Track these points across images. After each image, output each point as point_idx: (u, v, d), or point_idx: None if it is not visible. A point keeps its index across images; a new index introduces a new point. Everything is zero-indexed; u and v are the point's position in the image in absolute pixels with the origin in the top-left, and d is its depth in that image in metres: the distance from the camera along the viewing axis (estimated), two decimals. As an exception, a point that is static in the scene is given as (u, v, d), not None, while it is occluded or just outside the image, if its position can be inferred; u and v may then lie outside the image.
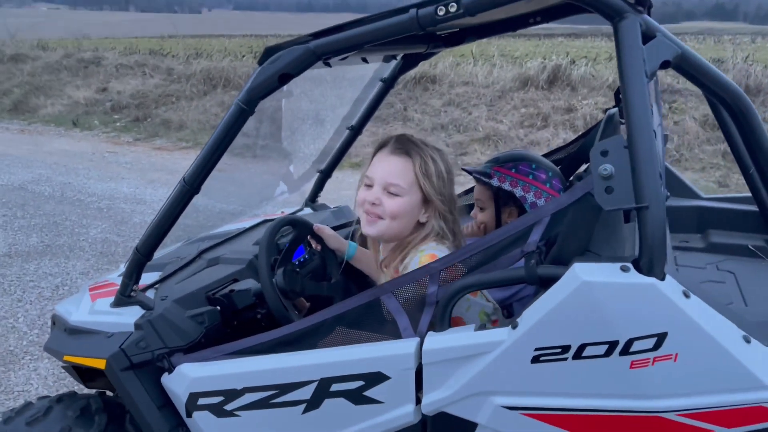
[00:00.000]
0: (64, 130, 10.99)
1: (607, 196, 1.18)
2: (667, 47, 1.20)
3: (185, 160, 8.47)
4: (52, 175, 7.65)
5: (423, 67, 10.45)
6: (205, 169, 1.60)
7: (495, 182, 1.96)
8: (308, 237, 2.09)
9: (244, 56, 14.23)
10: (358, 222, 2.47)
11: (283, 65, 1.47)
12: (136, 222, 5.78)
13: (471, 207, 2.18)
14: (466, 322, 1.60)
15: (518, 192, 1.92)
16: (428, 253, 1.62)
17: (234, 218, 5.40)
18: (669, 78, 9.52)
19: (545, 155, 2.53)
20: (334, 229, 2.53)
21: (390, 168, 1.68)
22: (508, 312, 1.87)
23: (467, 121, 9.38)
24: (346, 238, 2.52)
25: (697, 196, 2.26)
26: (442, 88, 10.62)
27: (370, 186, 1.70)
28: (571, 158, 2.46)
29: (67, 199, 6.59)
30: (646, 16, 1.21)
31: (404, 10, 1.33)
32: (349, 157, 8.19)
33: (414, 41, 1.95)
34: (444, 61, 11.35)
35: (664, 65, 1.21)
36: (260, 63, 1.51)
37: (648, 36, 1.20)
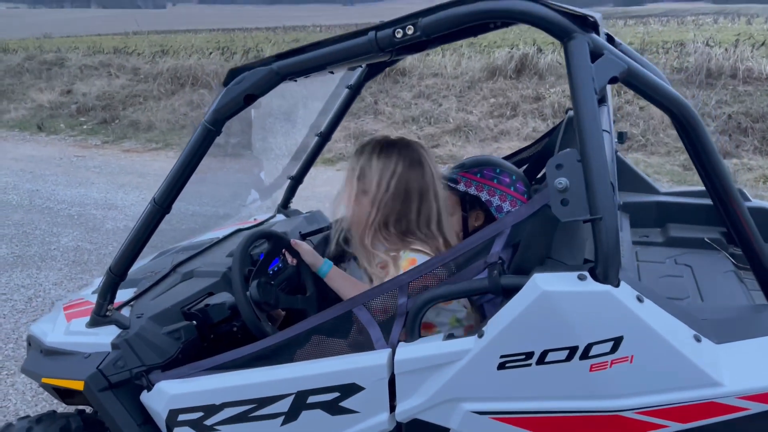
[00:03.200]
0: (30, 134, 10.77)
1: (563, 208, 1.24)
2: (614, 64, 1.25)
3: (155, 162, 8.39)
4: (18, 182, 7.52)
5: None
6: (175, 189, 1.63)
7: (461, 187, 2.02)
8: (283, 251, 2.12)
9: (211, 53, 14.09)
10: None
11: (247, 86, 1.50)
12: (109, 228, 5.73)
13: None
14: (436, 326, 1.65)
15: (484, 196, 1.97)
16: (410, 257, 1.65)
17: (208, 221, 5.38)
18: (633, 64, 9.69)
19: (511, 155, 2.60)
20: (308, 234, 2.58)
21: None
22: (481, 314, 1.93)
23: (438, 112, 9.44)
24: (324, 242, 2.56)
25: (656, 192, 2.34)
26: (411, 81, 10.66)
27: None
28: (536, 158, 2.53)
29: (36, 207, 6.49)
30: (593, 35, 1.26)
31: (363, 32, 1.37)
32: (322, 154, 8.22)
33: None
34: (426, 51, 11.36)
35: (612, 81, 1.27)
36: (225, 84, 1.54)
37: (596, 54, 1.26)
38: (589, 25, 1.27)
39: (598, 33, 1.33)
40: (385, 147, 1.73)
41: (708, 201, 2.18)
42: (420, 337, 1.42)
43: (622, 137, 2.42)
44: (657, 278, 1.88)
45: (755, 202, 2.16)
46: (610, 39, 2.07)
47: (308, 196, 6.36)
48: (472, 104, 9.64)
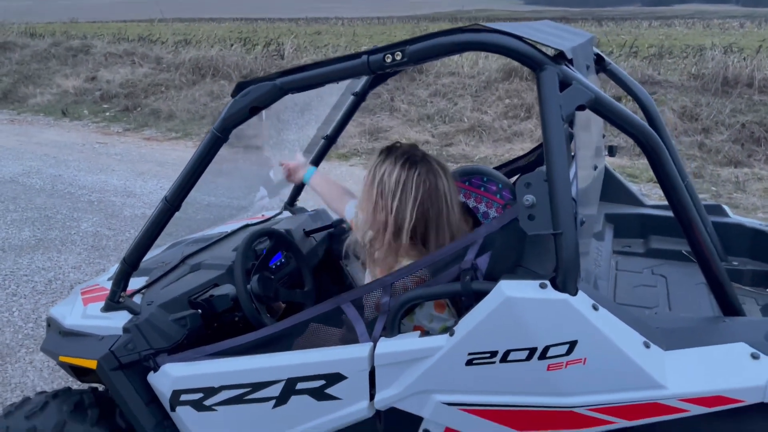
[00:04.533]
0: (54, 119, 11.06)
1: (529, 222, 1.37)
2: (581, 93, 1.38)
3: (175, 151, 8.60)
4: (42, 167, 7.77)
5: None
6: (185, 190, 1.78)
7: None
8: (284, 249, 2.27)
9: (232, 44, 14.29)
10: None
11: (252, 99, 1.64)
12: (127, 215, 5.94)
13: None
14: (427, 330, 1.78)
15: (471, 203, 2.10)
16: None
17: (222, 212, 5.55)
18: (650, 69, 9.72)
19: (506, 164, 2.73)
20: (312, 231, 2.73)
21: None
22: None
23: (453, 111, 9.54)
24: (328, 239, 2.71)
25: (641, 204, 2.45)
26: (428, 79, 10.77)
27: None
28: (530, 167, 2.65)
29: (57, 192, 6.72)
30: (563, 66, 1.39)
31: (357, 56, 1.51)
32: (336, 148, 8.36)
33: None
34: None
35: (579, 108, 1.40)
36: (233, 95, 1.69)
37: (565, 84, 1.38)
38: (560, 57, 1.40)
39: (571, 64, 1.46)
40: (409, 161, 1.72)
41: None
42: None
43: (612, 150, 2.53)
44: (632, 287, 2.01)
45: (734, 218, 2.27)
46: (599, 60, 2.20)
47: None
48: (487, 104, 9.72)
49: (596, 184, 2.20)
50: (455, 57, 11.32)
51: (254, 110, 1.66)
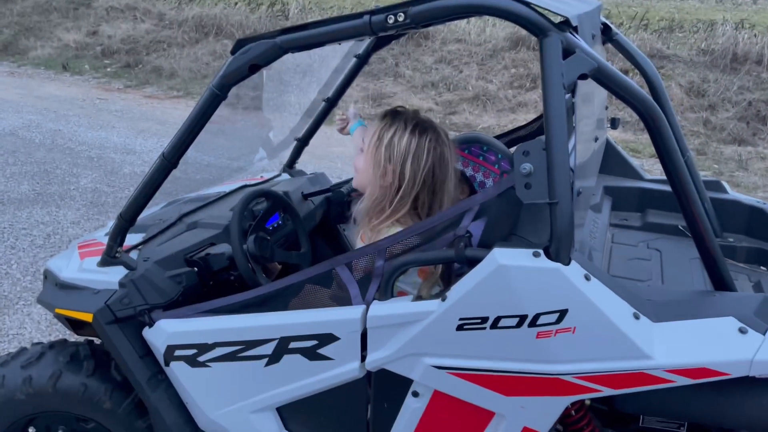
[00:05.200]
0: (54, 73, 10.95)
1: (525, 191, 1.37)
2: (584, 62, 1.36)
3: (176, 110, 8.54)
4: (42, 121, 7.72)
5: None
6: (183, 147, 1.77)
7: None
8: (281, 211, 2.27)
9: (236, 3, 14.03)
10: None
11: (252, 57, 1.63)
12: (126, 173, 5.93)
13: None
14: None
15: (469, 172, 2.10)
16: (395, 229, 1.77)
17: (221, 173, 5.55)
18: (659, 43, 9.58)
19: (508, 132, 2.71)
20: (311, 194, 2.73)
21: (366, 130, 1.85)
22: None
23: (457, 79, 9.44)
24: (326, 203, 2.71)
25: (641, 178, 2.45)
26: (434, 45, 10.62)
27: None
28: (532, 136, 2.64)
29: (57, 147, 6.70)
30: (567, 34, 1.37)
31: (360, 15, 1.48)
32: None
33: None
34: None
35: (582, 77, 1.38)
36: (233, 53, 1.67)
37: (569, 52, 1.37)
38: (565, 24, 1.38)
39: (576, 32, 1.44)
40: (419, 127, 1.71)
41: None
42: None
43: (615, 122, 2.51)
44: (626, 260, 2.01)
45: (731, 195, 2.27)
46: (606, 29, 2.16)
47: (322, 155, 6.51)
48: (493, 73, 9.61)
49: (596, 156, 2.19)
50: (462, 24, 11.15)
51: (254, 68, 1.64)
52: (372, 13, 1.46)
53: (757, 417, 1.44)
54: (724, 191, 2.28)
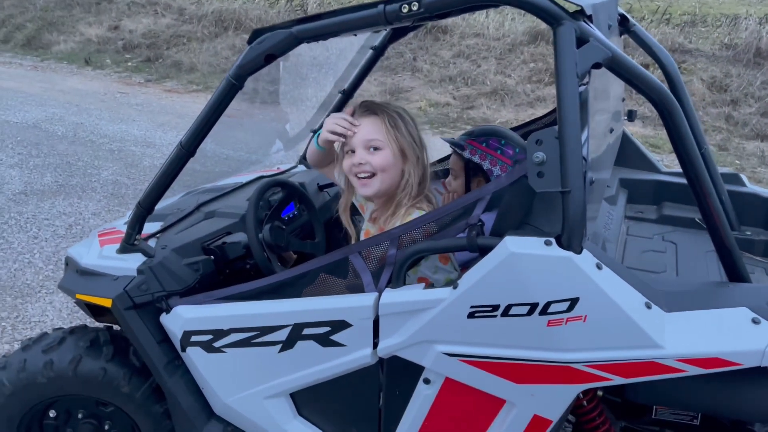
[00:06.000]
0: (77, 68, 11.11)
1: (538, 180, 1.38)
2: (598, 51, 1.36)
3: (195, 104, 8.62)
4: (65, 114, 7.84)
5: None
6: (200, 135, 1.80)
7: (467, 154, 2.14)
8: (297, 201, 2.29)
9: (256, -2, 14.11)
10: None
11: (268, 47, 1.64)
12: (146, 165, 6.01)
13: (446, 173, 2.37)
14: (431, 282, 1.82)
15: (486, 165, 2.10)
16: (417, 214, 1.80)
17: (240, 165, 5.60)
18: (681, 37, 9.46)
19: (524, 125, 2.71)
20: (325, 186, 2.75)
21: (365, 129, 1.82)
22: None
23: (476, 74, 9.40)
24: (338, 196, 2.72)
25: (657, 171, 2.43)
26: (452, 39, 10.58)
27: (352, 152, 1.84)
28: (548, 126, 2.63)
29: (79, 140, 6.80)
30: (581, 23, 1.37)
31: (374, 5, 1.49)
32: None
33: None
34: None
35: (596, 66, 1.38)
36: (249, 43, 1.69)
37: (582, 41, 1.36)
38: (579, 13, 1.38)
39: (590, 21, 1.44)
40: (408, 114, 1.89)
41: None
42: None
43: (631, 115, 2.50)
44: (640, 252, 2.01)
45: (750, 188, 2.25)
46: (623, 20, 2.15)
47: (338, 149, 6.51)
48: (511, 68, 9.56)
49: (611, 148, 2.18)
50: (480, 18, 11.10)
51: (269, 58, 1.66)
52: (386, 2, 1.47)
53: (769, 408, 1.43)
54: (743, 184, 2.26)
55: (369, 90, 9.00)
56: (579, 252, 1.36)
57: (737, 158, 6.82)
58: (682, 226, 2.18)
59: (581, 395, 1.66)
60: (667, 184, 2.34)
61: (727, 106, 7.90)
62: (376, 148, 1.81)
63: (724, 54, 8.94)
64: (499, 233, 1.47)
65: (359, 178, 1.84)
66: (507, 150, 2.13)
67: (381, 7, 1.48)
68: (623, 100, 2.41)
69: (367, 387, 1.69)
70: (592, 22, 1.45)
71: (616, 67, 1.41)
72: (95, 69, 11.00)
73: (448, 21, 10.66)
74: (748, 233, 2.13)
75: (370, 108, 1.86)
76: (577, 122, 1.34)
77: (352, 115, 1.86)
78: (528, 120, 2.71)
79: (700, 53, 9.10)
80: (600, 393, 1.71)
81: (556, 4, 1.36)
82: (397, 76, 9.68)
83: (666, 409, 1.69)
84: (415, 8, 1.43)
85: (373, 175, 1.82)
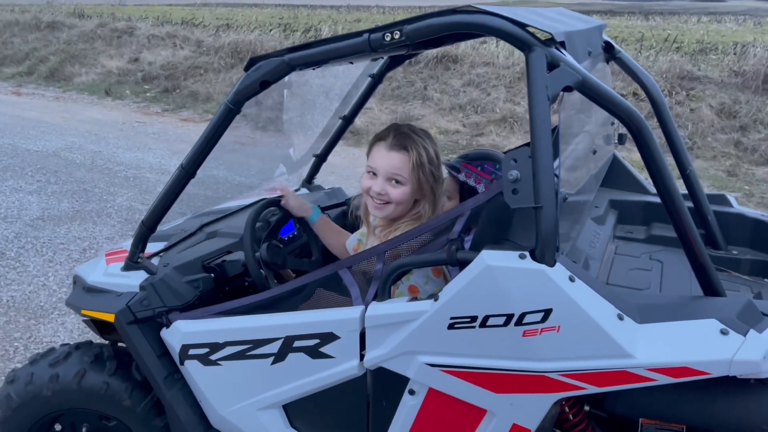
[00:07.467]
0: (97, 98, 11.43)
1: (513, 196, 1.45)
2: (568, 75, 1.44)
3: (210, 133, 8.80)
4: (83, 143, 8.07)
5: (445, 46, 10.62)
6: (200, 158, 1.90)
7: (462, 177, 2.22)
8: (293, 219, 2.38)
9: (272, 30, 14.48)
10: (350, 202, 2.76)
11: (263, 73, 1.75)
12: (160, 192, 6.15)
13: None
14: (420, 291, 1.89)
15: (480, 188, 2.17)
16: None
17: (245, 190, 5.71)
18: (690, 65, 9.53)
19: (518, 148, 2.77)
20: (327, 208, 2.83)
21: (392, 162, 1.91)
22: None
23: (485, 102, 9.53)
24: (342, 216, 2.81)
25: (647, 192, 2.48)
26: (462, 68, 10.75)
27: (374, 175, 1.94)
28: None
29: (97, 167, 7.00)
30: (552, 49, 1.45)
31: (360, 34, 1.59)
32: (367, 135, 8.45)
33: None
34: (466, 41, 11.46)
35: (566, 89, 1.46)
36: (246, 70, 1.80)
37: (553, 65, 1.45)
38: (550, 40, 1.47)
39: (564, 47, 1.52)
40: (426, 133, 1.99)
41: (692, 204, 2.32)
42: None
43: (622, 138, 2.56)
44: (627, 270, 2.06)
45: (737, 208, 2.29)
46: (608, 47, 2.24)
47: (349, 176, 6.65)
48: (521, 95, 9.67)
49: (597, 169, 2.24)
50: (491, 47, 11.28)
51: (264, 84, 1.76)
52: (371, 31, 1.57)
53: (744, 419, 1.46)
54: (730, 205, 2.31)
55: (380, 119, 9.15)
56: (552, 265, 1.43)
57: (746, 184, 6.82)
58: (670, 245, 2.23)
59: (566, 409, 1.71)
60: (657, 205, 2.38)
61: (736, 132, 7.92)
62: (398, 182, 1.92)
63: (733, 81, 8.99)
64: (478, 247, 1.54)
65: (375, 200, 1.95)
66: (500, 174, 2.20)
67: (366, 36, 1.58)
68: (613, 123, 2.48)
69: (355, 398, 1.75)
70: (565, 48, 1.53)
71: (587, 90, 1.49)
72: (115, 99, 11.32)
73: (459, 50, 10.85)
74: (735, 252, 2.17)
75: (401, 142, 1.92)
76: (548, 142, 1.41)
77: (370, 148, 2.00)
78: (521, 144, 2.78)
79: (709, 80, 9.15)
80: (587, 408, 1.74)
81: (528, 32, 1.45)
82: (408, 104, 9.84)
83: (652, 424, 1.72)
84: (396, 36, 1.53)
85: (388, 203, 1.93)
